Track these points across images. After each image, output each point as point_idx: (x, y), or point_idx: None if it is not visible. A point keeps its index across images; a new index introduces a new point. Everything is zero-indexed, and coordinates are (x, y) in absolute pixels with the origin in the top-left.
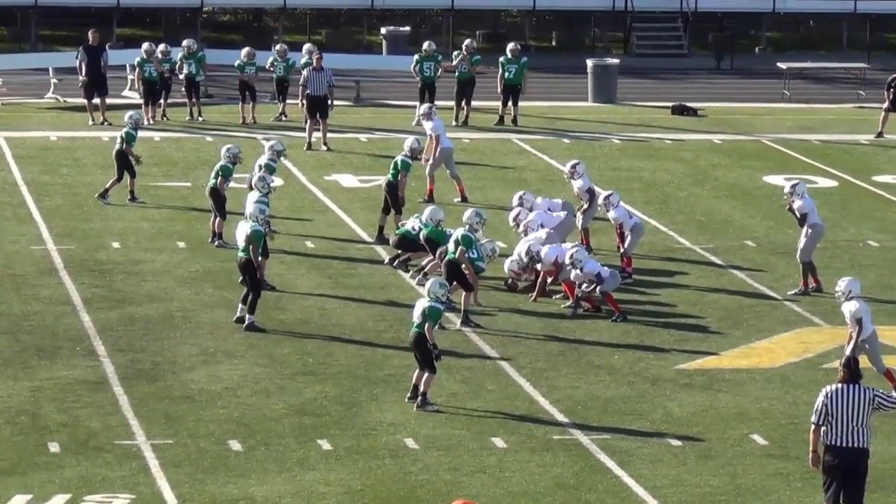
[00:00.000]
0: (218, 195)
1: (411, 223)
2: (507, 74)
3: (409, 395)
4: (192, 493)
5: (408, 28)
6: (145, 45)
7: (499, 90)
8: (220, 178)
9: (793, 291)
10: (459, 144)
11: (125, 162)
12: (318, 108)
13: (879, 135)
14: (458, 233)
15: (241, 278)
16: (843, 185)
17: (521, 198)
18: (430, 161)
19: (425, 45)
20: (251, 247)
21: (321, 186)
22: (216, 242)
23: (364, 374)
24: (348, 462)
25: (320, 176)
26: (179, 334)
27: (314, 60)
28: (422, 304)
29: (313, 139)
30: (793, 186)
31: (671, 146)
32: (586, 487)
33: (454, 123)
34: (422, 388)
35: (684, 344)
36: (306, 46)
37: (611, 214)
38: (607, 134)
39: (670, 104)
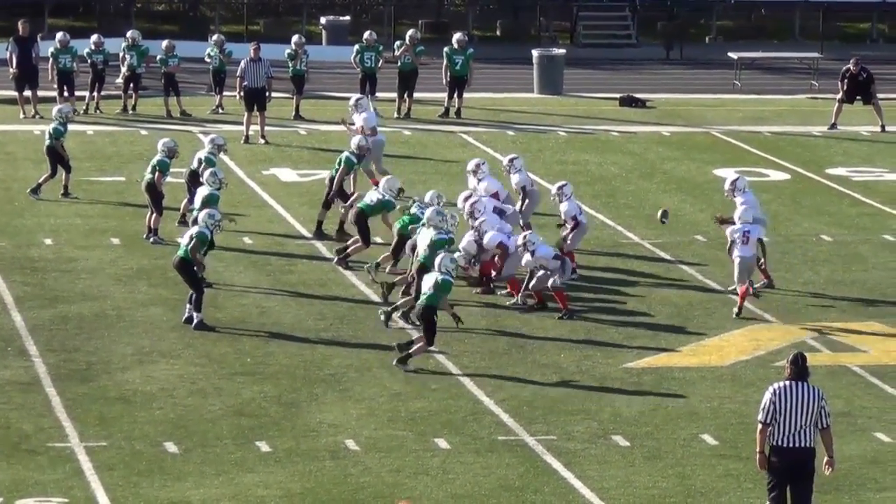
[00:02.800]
0: (154, 190)
1: (370, 196)
2: (453, 66)
3: (397, 359)
4: (127, 497)
5: (348, 18)
6: (59, 36)
7: (444, 82)
8: (156, 172)
9: (756, 285)
10: (401, 137)
11: (57, 157)
12: (255, 100)
13: (833, 126)
14: (429, 235)
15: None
16: (795, 178)
17: (477, 165)
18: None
19: (366, 35)
20: (192, 246)
21: (259, 181)
22: (151, 239)
23: (304, 373)
24: (288, 464)
25: (258, 170)
26: (114, 333)
27: (251, 52)
28: (433, 277)
29: (251, 132)
30: (733, 182)
31: (619, 139)
32: (532, 489)
33: (396, 116)
34: (412, 350)
35: (632, 342)
36: (294, 38)
37: (562, 207)
38: (553, 126)
39: (618, 95)
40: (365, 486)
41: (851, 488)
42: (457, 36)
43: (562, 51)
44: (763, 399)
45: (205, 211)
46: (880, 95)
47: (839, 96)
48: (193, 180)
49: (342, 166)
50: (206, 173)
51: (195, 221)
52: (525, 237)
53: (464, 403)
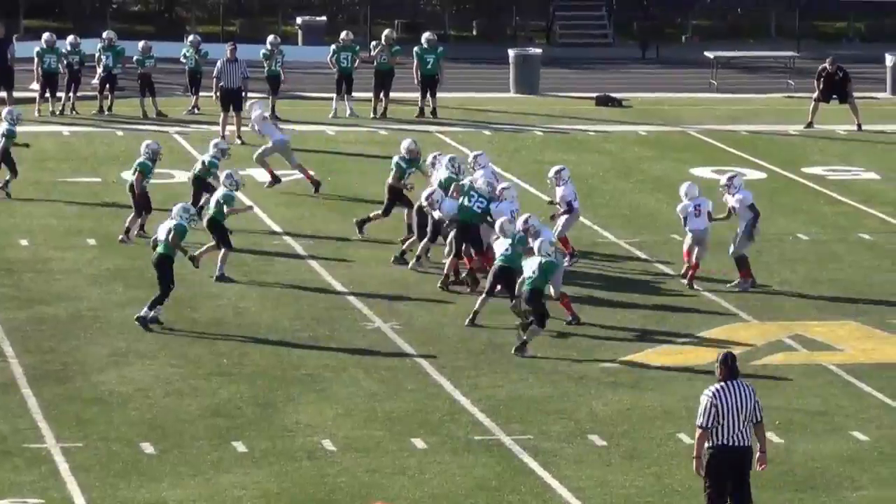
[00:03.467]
0: (135, 191)
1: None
2: (423, 65)
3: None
4: (104, 498)
5: (324, 18)
6: (45, 36)
7: (416, 81)
8: (137, 173)
9: (731, 284)
10: (377, 137)
11: (9, 158)
12: (231, 100)
13: (809, 125)
14: (537, 261)
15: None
16: (771, 176)
17: (475, 158)
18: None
19: (342, 35)
20: (172, 238)
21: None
22: (120, 237)
23: (280, 374)
24: (264, 464)
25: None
26: (90, 334)
27: (227, 52)
28: (536, 261)
29: (227, 132)
30: (729, 179)
31: (595, 138)
32: (509, 489)
33: (372, 115)
34: (526, 337)
35: (610, 341)
36: (270, 38)
37: (559, 191)
38: (530, 126)
39: (594, 95)
40: (341, 487)
41: (828, 487)
42: (426, 35)
43: (538, 50)
44: (701, 404)
45: (179, 204)
46: (857, 94)
47: (815, 95)
48: (198, 184)
49: (394, 171)
50: (223, 175)
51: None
52: (528, 219)
53: (440, 403)
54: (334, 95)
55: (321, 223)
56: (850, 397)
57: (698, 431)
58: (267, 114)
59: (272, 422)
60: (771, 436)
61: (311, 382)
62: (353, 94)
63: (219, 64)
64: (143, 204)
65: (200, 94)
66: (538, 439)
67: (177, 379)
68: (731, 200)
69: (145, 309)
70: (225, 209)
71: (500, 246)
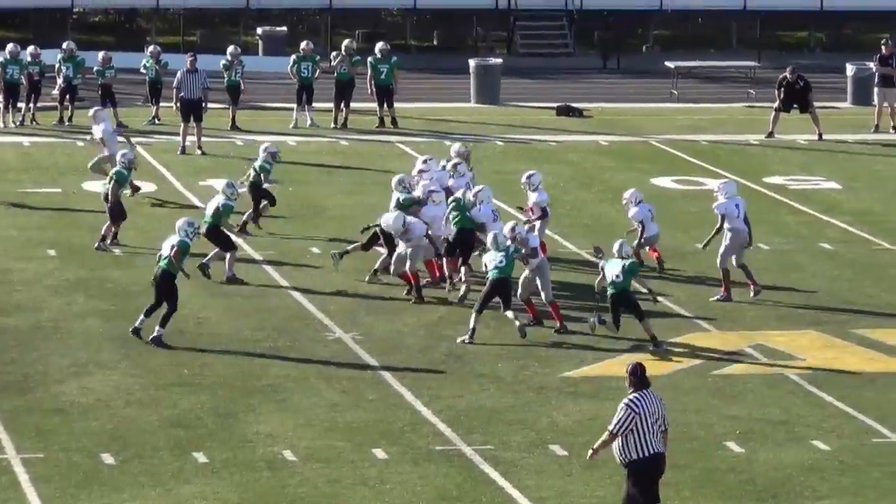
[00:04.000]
0: (108, 200)
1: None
2: (378, 75)
3: (652, 345)
4: None
5: (285, 28)
6: (9, 46)
7: (370, 91)
8: (112, 182)
9: (715, 298)
10: (338, 147)
11: None
12: (192, 111)
13: (770, 135)
14: (619, 264)
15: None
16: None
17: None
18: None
19: (303, 45)
20: (175, 254)
21: (196, 191)
22: (97, 244)
23: (241, 384)
24: (225, 475)
25: (195, 181)
26: (50, 345)
27: (187, 63)
28: (618, 264)
29: (187, 143)
30: (722, 184)
31: (556, 148)
32: (470, 499)
33: (332, 126)
34: (652, 333)
35: (570, 351)
36: (230, 49)
37: (532, 197)
38: (491, 136)
39: (555, 105)
40: (302, 497)
41: (789, 497)
42: (379, 45)
43: (498, 60)
44: (621, 412)
45: (184, 219)
46: (817, 104)
47: (776, 105)
48: (255, 190)
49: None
50: (223, 184)
51: (246, 227)
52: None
53: (401, 413)
54: (295, 106)
55: (282, 233)
56: (812, 406)
57: (607, 436)
58: (112, 128)
59: (233, 432)
60: (732, 445)
61: (272, 393)
62: (314, 104)
63: (179, 75)
64: (117, 212)
65: (161, 104)
66: (499, 449)
67: (137, 389)
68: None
69: (157, 328)
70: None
71: (492, 258)
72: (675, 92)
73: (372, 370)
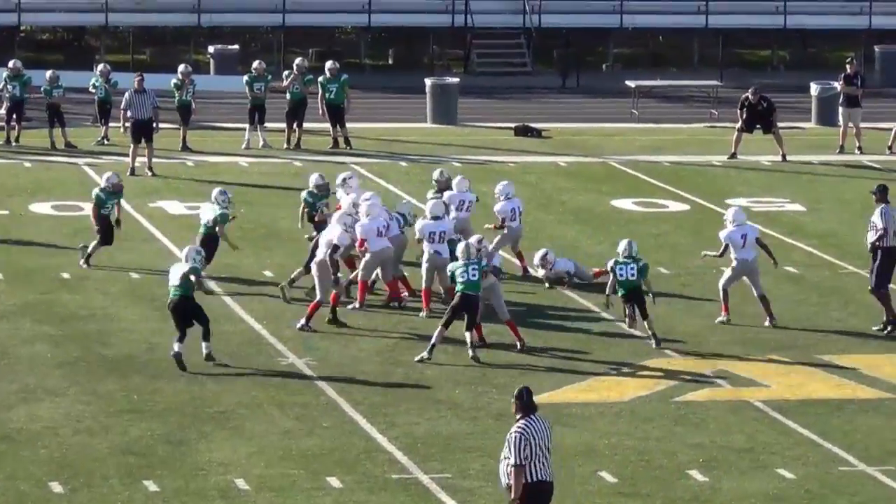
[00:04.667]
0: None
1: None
2: (328, 95)
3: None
4: None
5: (237, 47)
6: None
7: (320, 112)
8: (93, 206)
9: (719, 319)
10: (291, 168)
11: None
12: (142, 132)
13: (733, 156)
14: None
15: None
16: (695, 208)
17: (344, 179)
18: None
19: (255, 64)
20: (196, 284)
21: (146, 213)
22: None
23: (192, 411)
24: None
25: (144, 203)
26: None
27: (135, 83)
28: (632, 263)
29: (137, 164)
30: (732, 212)
31: (514, 169)
32: None
33: (286, 146)
34: (653, 330)
35: (529, 377)
36: (181, 67)
37: (497, 207)
38: (447, 157)
39: (513, 125)
40: None
41: None
42: (328, 64)
43: (455, 79)
44: (513, 442)
45: (191, 247)
46: (781, 124)
47: (738, 125)
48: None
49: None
50: (216, 192)
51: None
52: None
53: (356, 440)
54: (247, 126)
55: (234, 256)
56: (776, 434)
57: (513, 470)
58: None
59: (184, 460)
60: (695, 474)
61: (224, 419)
62: (266, 124)
63: (127, 95)
64: (103, 234)
65: (110, 124)
66: (457, 478)
67: (87, 416)
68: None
69: (204, 345)
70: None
71: (461, 269)
72: (636, 111)
73: (326, 396)
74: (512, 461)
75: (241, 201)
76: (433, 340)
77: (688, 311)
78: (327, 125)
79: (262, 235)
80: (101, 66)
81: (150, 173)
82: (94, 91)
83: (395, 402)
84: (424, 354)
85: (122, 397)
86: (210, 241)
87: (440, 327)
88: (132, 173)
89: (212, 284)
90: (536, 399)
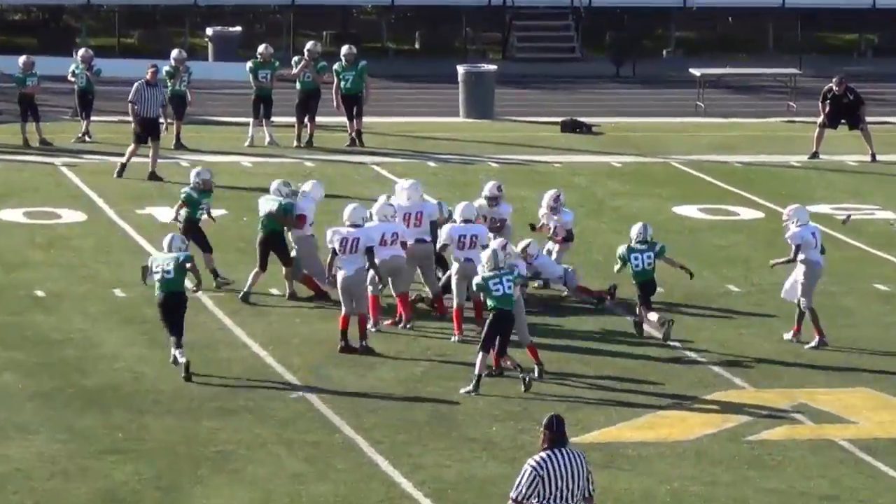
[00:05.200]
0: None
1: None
2: (344, 84)
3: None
4: None
5: (238, 28)
6: None
7: (335, 104)
8: (178, 208)
9: (811, 345)
10: (302, 169)
11: None
12: (148, 131)
13: (814, 155)
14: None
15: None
16: (770, 216)
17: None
18: None
19: (260, 48)
20: (192, 271)
21: (133, 222)
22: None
23: (186, 451)
24: None
25: (131, 209)
26: None
27: (148, 74)
28: (647, 250)
29: (129, 161)
30: (792, 211)
31: (561, 171)
32: None
33: (296, 144)
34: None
35: (577, 412)
36: (174, 53)
37: (557, 218)
38: (483, 156)
39: (559, 119)
40: None
41: None
42: (344, 49)
43: (492, 67)
44: (523, 473)
45: (173, 236)
46: (870, 119)
47: (820, 120)
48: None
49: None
50: (193, 173)
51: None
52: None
53: (376, 486)
54: (251, 120)
55: (235, 272)
56: (864, 478)
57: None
58: None
59: None
60: None
61: (222, 461)
62: (273, 118)
63: (137, 87)
64: (198, 240)
65: (92, 118)
66: None
67: (63, 457)
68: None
69: (179, 355)
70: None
71: (492, 282)
72: (701, 104)
73: (342, 434)
74: (511, 493)
75: (243, 207)
76: (477, 371)
77: (762, 335)
78: (343, 119)
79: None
80: (81, 51)
81: (155, 178)
82: (73, 80)
83: (422, 441)
84: (470, 388)
85: (103, 435)
86: (194, 226)
87: (480, 354)
88: (120, 174)
89: (208, 303)
90: (585, 438)
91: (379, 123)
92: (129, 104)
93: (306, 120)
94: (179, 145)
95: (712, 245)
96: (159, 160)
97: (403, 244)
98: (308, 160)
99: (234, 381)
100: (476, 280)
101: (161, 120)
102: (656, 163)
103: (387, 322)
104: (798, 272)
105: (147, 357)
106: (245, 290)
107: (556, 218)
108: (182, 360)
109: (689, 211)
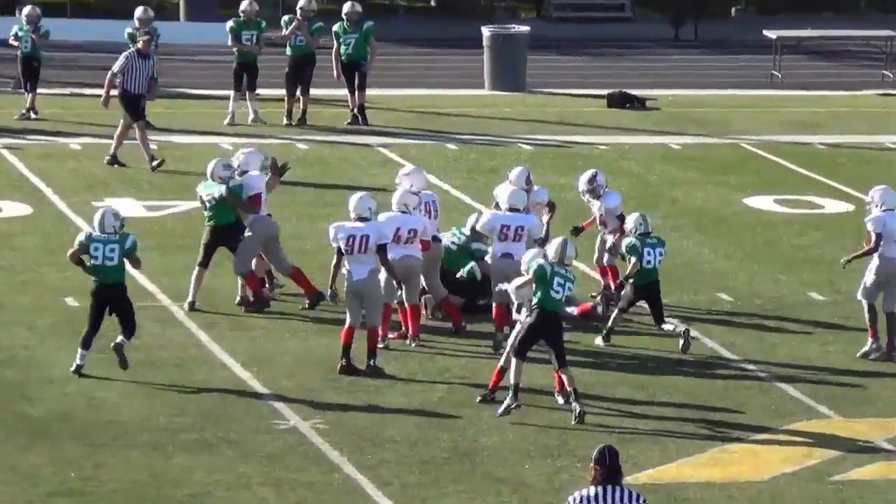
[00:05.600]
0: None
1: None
2: (344, 49)
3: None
4: None
5: None
6: None
7: (334, 73)
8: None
9: (863, 350)
10: (294, 152)
11: None
12: (135, 109)
13: None
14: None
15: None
16: (860, 209)
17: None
18: None
19: (243, 5)
20: (133, 263)
21: (88, 216)
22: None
23: (154, 493)
24: None
25: (87, 201)
26: None
27: (141, 42)
28: (658, 243)
29: (119, 143)
30: (878, 192)
31: (607, 154)
32: None
33: (286, 121)
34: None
35: (628, 446)
36: (137, 11)
37: (598, 204)
38: (513, 136)
39: (606, 92)
40: None
41: None
42: (345, 8)
43: (524, 28)
44: None
45: (107, 212)
46: None
47: None
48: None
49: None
50: (215, 165)
51: None
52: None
53: None
54: (231, 93)
55: (212, 277)
56: None
57: None
58: None
59: None
60: None
61: None
62: (259, 90)
63: (126, 57)
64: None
65: (39, 90)
66: None
67: (6, 501)
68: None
69: (121, 337)
70: None
71: (557, 280)
72: (778, 73)
73: (342, 474)
74: None
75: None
76: (513, 380)
77: (850, 352)
78: (343, 92)
79: None
80: (27, 9)
81: (153, 164)
82: (16, 44)
83: (439, 483)
84: (509, 402)
85: (51, 474)
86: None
87: (514, 360)
88: (114, 160)
89: (178, 314)
90: (638, 478)
91: (387, 97)
92: (110, 77)
93: (298, 92)
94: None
95: (791, 244)
96: (110, 140)
97: (425, 244)
98: (300, 141)
99: (211, 408)
100: (535, 264)
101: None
102: (723, 144)
103: (392, 335)
104: (871, 267)
105: (105, 380)
106: (190, 298)
107: (597, 204)
108: (119, 339)
109: (764, 203)
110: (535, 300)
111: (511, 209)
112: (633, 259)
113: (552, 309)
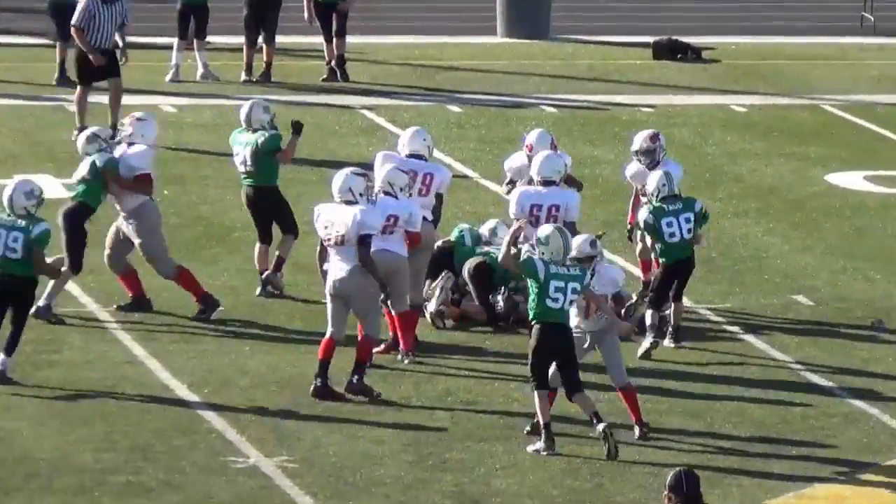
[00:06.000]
0: None
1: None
2: None
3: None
4: None
5: None
6: None
7: (306, 16)
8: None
9: None
10: None
11: None
12: (102, 67)
13: None
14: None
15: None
16: None
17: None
18: None
19: None
20: (39, 259)
21: None
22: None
23: None
24: None
25: None
26: None
27: None
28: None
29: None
30: None
31: (653, 118)
32: None
33: (244, 77)
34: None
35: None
36: None
37: (652, 181)
38: (534, 97)
39: (650, 39)
40: None
41: None
42: None
43: None
44: None
45: (23, 181)
46: None
47: None
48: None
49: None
50: (88, 136)
51: None
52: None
53: None
54: (175, 41)
55: (151, 278)
56: None
57: None
58: None
59: None
60: None
61: None
62: (209, 37)
63: (85, 6)
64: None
65: None
66: None
67: None
68: None
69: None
70: None
71: (554, 282)
72: (870, 16)
73: None
74: None
75: (164, 176)
76: (539, 419)
77: None
78: (318, 39)
79: (199, 237)
80: None
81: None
82: None
83: None
84: (540, 445)
85: None
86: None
87: (536, 394)
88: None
89: (110, 323)
90: None
91: (373, 45)
92: (75, 31)
93: (260, 40)
94: (65, 80)
95: (883, 233)
96: (29, 101)
97: (414, 238)
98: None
99: (149, 442)
100: (525, 256)
101: (120, 49)
102: (801, 106)
103: (377, 349)
104: None
105: (16, 408)
106: (44, 300)
107: (646, 177)
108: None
109: (852, 180)
110: (530, 313)
111: (545, 182)
112: (644, 240)
113: (555, 321)
